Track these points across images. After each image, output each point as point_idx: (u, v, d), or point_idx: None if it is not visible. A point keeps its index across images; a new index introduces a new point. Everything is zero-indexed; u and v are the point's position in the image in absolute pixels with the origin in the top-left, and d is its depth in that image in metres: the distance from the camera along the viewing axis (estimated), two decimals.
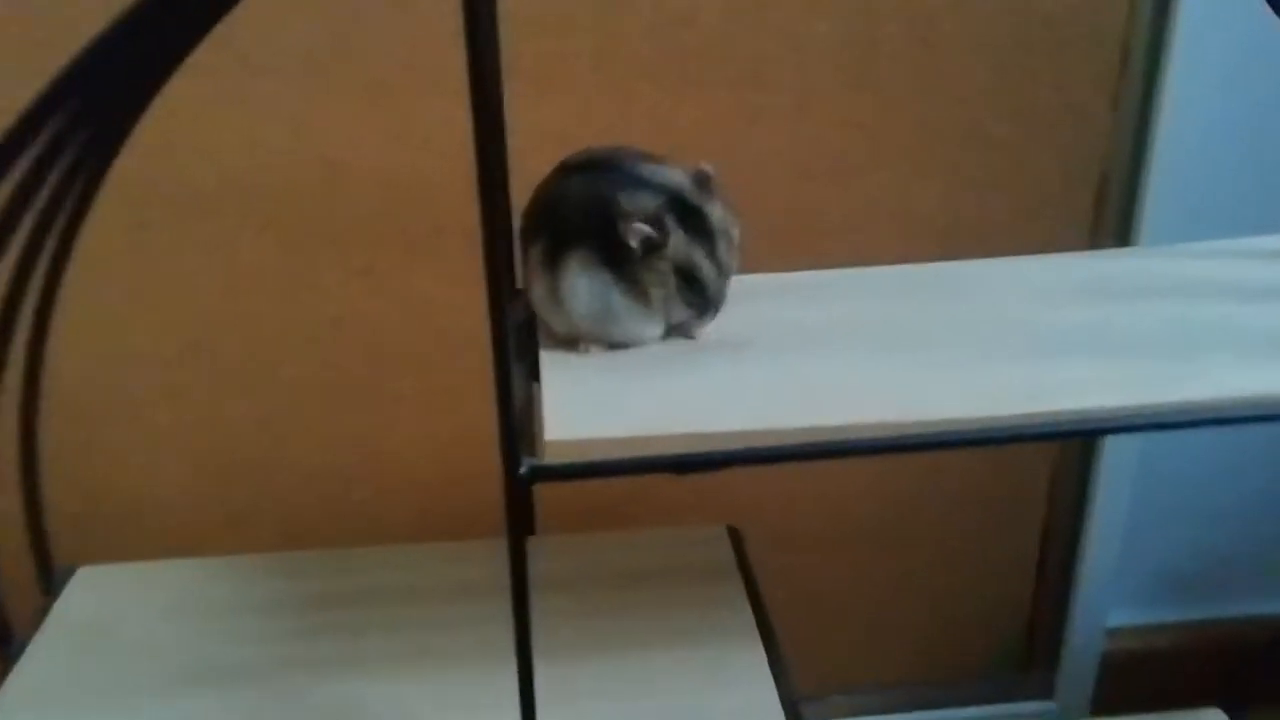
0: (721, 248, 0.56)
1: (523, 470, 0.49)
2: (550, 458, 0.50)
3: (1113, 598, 1.11)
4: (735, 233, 0.58)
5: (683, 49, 0.88)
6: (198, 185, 0.86)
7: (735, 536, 0.76)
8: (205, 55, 0.84)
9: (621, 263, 0.55)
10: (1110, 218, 0.98)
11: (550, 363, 0.58)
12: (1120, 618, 1.14)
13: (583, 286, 0.56)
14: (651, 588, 0.71)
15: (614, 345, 0.59)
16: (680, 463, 0.50)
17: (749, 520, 1.02)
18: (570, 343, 0.59)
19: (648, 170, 0.57)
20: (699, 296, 0.57)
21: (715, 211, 0.57)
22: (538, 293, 0.59)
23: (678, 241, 0.55)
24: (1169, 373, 0.55)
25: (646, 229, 0.54)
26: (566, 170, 0.59)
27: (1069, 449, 1.07)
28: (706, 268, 0.56)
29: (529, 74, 0.85)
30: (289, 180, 0.87)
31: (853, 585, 1.10)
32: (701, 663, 0.64)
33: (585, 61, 0.87)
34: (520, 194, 0.63)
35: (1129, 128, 0.96)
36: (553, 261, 0.57)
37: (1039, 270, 0.68)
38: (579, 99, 0.88)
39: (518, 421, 0.52)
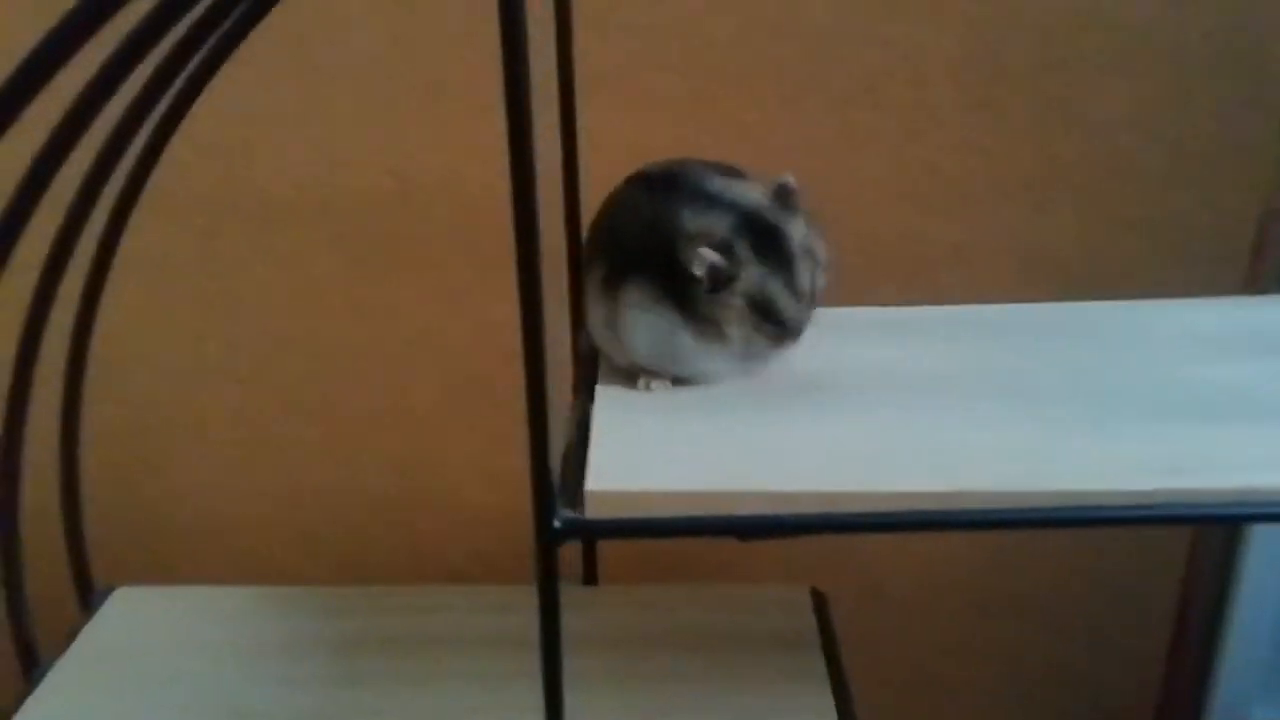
0: (802, 272, 0.49)
1: (557, 524, 0.43)
2: (591, 512, 0.43)
3: (1259, 690, 0.97)
4: (821, 249, 0.51)
5: (782, 61, 0.81)
6: (271, 194, 0.84)
7: (819, 600, 0.68)
8: (282, 63, 0.83)
9: (687, 297, 0.49)
10: (1270, 265, 0.87)
11: (606, 400, 0.51)
12: (1266, 714, 1.00)
13: (644, 324, 0.50)
14: (719, 653, 0.63)
15: (678, 380, 0.52)
16: (742, 526, 0.43)
17: (837, 575, 0.94)
18: (631, 376, 0.53)
19: (719, 185, 0.50)
20: (775, 327, 0.49)
21: (796, 230, 0.49)
22: (594, 320, 0.53)
23: (750, 273, 0.48)
24: None
25: (714, 257, 0.47)
26: (636, 181, 0.53)
27: (1208, 536, 0.95)
28: (784, 299, 0.49)
29: (610, 84, 0.80)
30: (364, 193, 0.84)
31: (951, 658, 1.00)
32: None
33: (673, 72, 0.81)
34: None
35: None
36: (611, 289, 0.51)
37: (1188, 316, 0.59)
38: (665, 113, 0.82)
39: (563, 466, 0.46)
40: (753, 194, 0.50)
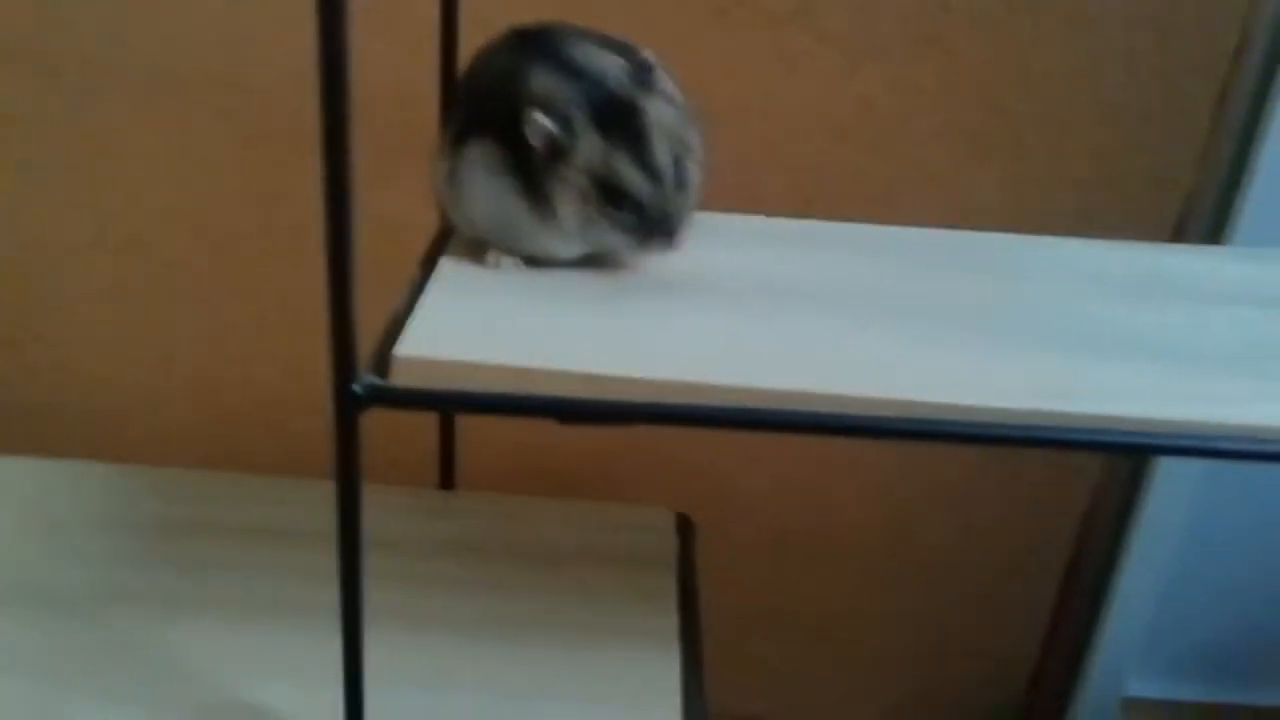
0: (659, 151, 0.44)
1: (357, 389, 0.39)
2: (398, 380, 0.39)
3: (1136, 665, 0.97)
4: (694, 138, 0.46)
5: None
6: (160, 60, 0.78)
7: (685, 525, 0.65)
8: None
9: (525, 164, 0.45)
10: (1197, 230, 0.84)
11: (448, 272, 0.47)
12: (1141, 689, 1.01)
13: (482, 189, 0.46)
14: (569, 568, 0.60)
15: (527, 259, 0.48)
16: (556, 408, 0.39)
17: (734, 513, 0.91)
18: (483, 251, 0.49)
19: (582, 52, 0.46)
20: (632, 215, 0.45)
21: (655, 108, 0.45)
22: (438, 177, 0.49)
23: (591, 146, 0.44)
24: (1237, 390, 0.42)
25: (548, 125, 0.43)
26: (505, 37, 0.49)
27: (1107, 483, 0.93)
28: (634, 179, 0.44)
29: None
30: (264, 70, 0.78)
31: (830, 606, 0.98)
32: (595, 664, 0.53)
33: None
34: None
35: (1234, 127, 0.82)
36: (458, 145, 0.47)
37: (1100, 256, 0.56)
38: (587, 13, 0.76)
39: (383, 333, 0.42)
40: (613, 66, 0.46)
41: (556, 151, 0.44)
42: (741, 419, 0.39)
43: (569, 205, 0.45)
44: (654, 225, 0.45)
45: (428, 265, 0.48)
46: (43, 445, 0.89)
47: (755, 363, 0.41)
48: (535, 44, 0.47)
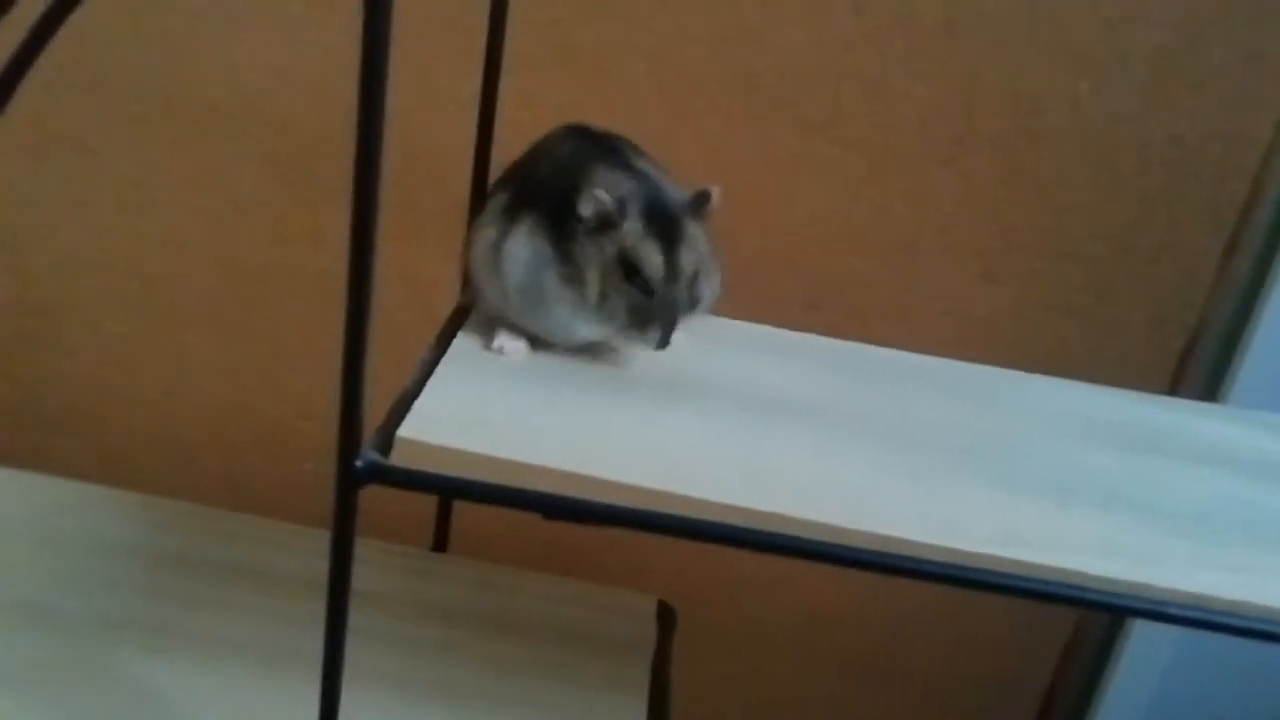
0: (684, 257, 0.48)
1: (359, 463, 0.41)
2: (398, 460, 0.41)
3: None
4: (714, 272, 0.50)
5: (757, 74, 0.80)
6: (211, 96, 0.82)
7: (665, 614, 0.66)
8: None
9: (568, 236, 0.48)
10: (1196, 374, 0.86)
11: (458, 354, 0.49)
12: None
13: (522, 254, 0.49)
14: (544, 645, 0.61)
15: (536, 342, 0.51)
16: (547, 504, 0.41)
17: (722, 599, 0.92)
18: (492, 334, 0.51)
19: (646, 166, 0.51)
20: (641, 296, 0.48)
21: (695, 232, 0.49)
22: (482, 243, 0.52)
23: (632, 229, 0.47)
24: (1203, 558, 0.44)
25: (604, 200, 0.47)
26: (573, 129, 0.53)
27: (1086, 632, 0.94)
28: (655, 264, 0.47)
29: (581, 60, 0.78)
30: (309, 117, 0.82)
31: (810, 712, 0.98)
32: None
33: (648, 61, 0.79)
34: None
35: (1240, 278, 0.84)
36: (508, 214, 0.51)
37: (1093, 401, 0.58)
38: (628, 98, 0.80)
39: (390, 409, 0.44)
40: (672, 187, 0.50)
41: (602, 224, 0.47)
42: (715, 534, 0.41)
43: (595, 272, 0.48)
44: (655, 313, 0.48)
45: (442, 343, 0.51)
46: (58, 455, 0.92)
47: (736, 479, 0.43)
48: (604, 145, 0.51)
